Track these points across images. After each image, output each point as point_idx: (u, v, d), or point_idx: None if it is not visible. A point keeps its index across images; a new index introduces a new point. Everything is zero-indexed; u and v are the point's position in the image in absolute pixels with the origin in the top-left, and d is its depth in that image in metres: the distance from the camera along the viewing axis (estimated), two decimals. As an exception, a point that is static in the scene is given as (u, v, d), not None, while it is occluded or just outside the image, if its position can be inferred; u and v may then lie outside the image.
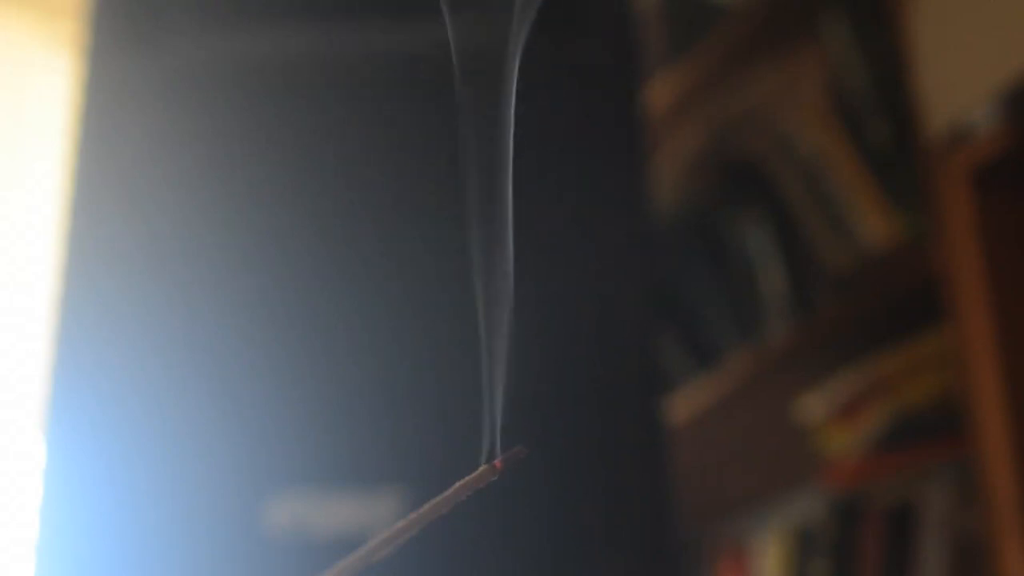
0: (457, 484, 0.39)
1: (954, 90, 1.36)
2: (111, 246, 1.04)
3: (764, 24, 1.71)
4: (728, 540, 1.97)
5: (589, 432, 1.00)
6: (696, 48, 1.84)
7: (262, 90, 1.06)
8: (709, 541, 2.00)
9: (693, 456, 1.76)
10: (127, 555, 0.96)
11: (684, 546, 1.94)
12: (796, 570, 1.71)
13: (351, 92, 1.06)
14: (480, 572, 0.96)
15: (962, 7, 1.39)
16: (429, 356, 0.99)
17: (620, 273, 1.06)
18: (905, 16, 1.44)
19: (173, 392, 0.99)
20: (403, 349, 0.99)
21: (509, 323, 0.39)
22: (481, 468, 0.39)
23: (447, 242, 1.00)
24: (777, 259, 1.71)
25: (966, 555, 1.41)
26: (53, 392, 1.01)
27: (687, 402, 1.75)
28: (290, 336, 1.00)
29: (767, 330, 1.70)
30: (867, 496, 1.58)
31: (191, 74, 1.07)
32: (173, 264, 1.02)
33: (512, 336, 0.39)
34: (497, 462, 0.39)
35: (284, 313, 1.00)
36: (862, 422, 1.55)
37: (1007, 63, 1.30)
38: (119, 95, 1.08)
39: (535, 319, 0.99)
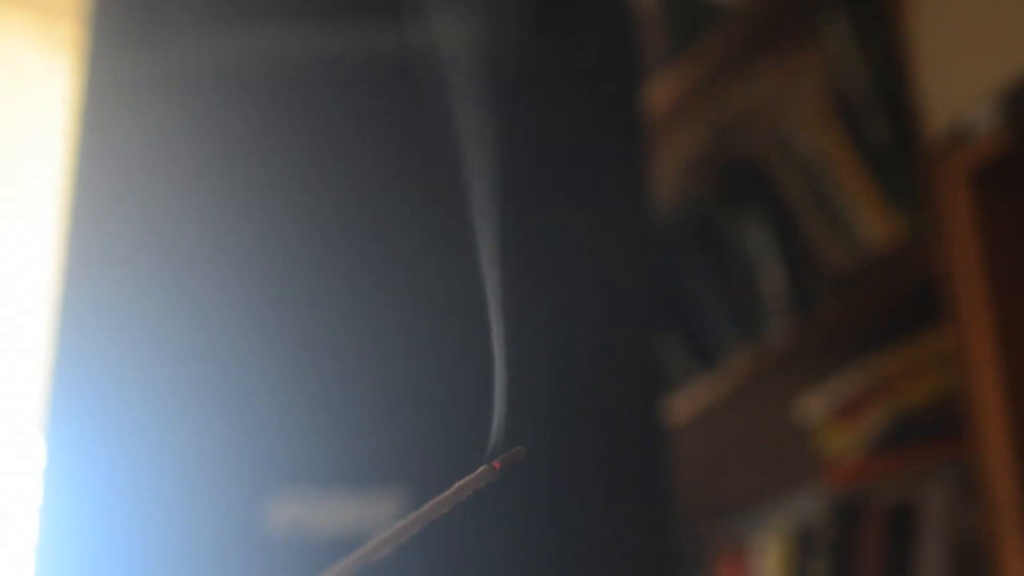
0: (457, 484, 0.39)
1: (954, 90, 1.36)
2: (111, 246, 1.04)
3: (764, 24, 1.71)
4: (728, 540, 1.97)
5: (589, 432, 1.00)
6: (696, 48, 1.84)
7: (262, 90, 1.06)
8: (709, 541, 2.00)
9: (693, 456, 1.77)
10: (127, 555, 0.96)
11: (684, 546, 1.94)
12: (796, 570, 1.71)
13: (352, 91, 1.06)
14: (480, 572, 0.96)
15: (962, 7, 1.39)
16: (429, 356, 0.99)
17: (620, 273, 1.06)
18: (905, 16, 1.44)
19: (173, 392, 0.99)
20: (404, 349, 0.99)
21: (510, 325, 0.40)
22: (480, 468, 0.39)
23: (449, 241, 1.00)
24: (777, 259, 1.71)
25: (966, 555, 1.41)
26: (53, 392, 1.01)
27: (687, 402, 1.75)
28: (291, 336, 1.00)
29: (767, 330, 1.70)
30: (867, 496, 1.58)
31: (191, 74, 1.07)
32: (173, 263, 1.02)
33: (513, 337, 0.40)
34: (496, 463, 0.39)
35: (285, 313, 1.00)
36: (862, 422, 1.55)
37: (1007, 63, 1.30)
38: (118, 95, 1.08)
39: (536, 319, 0.99)
